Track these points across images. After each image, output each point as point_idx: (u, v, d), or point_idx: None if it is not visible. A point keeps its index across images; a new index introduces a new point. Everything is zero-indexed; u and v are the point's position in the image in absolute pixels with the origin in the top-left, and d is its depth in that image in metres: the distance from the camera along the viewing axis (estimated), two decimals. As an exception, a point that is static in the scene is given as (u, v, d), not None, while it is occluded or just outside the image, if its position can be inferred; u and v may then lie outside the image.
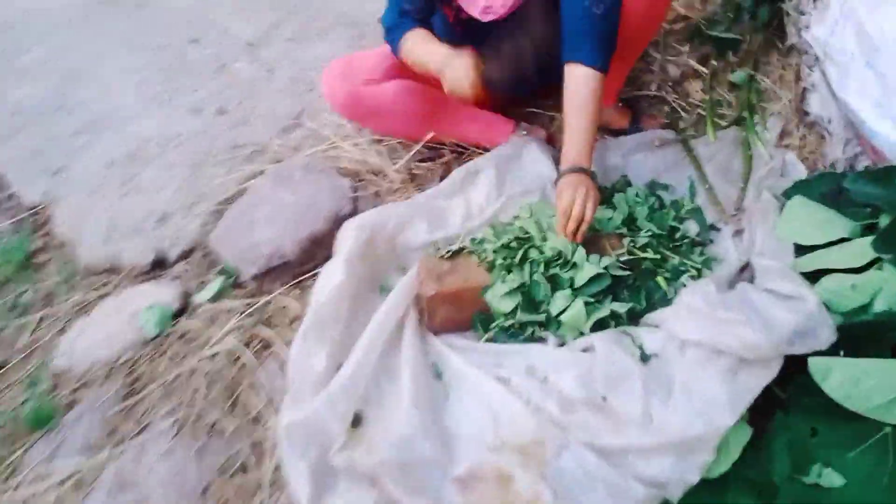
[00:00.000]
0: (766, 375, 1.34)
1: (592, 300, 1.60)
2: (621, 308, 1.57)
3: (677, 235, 1.80)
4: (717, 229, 1.84)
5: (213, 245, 2.06)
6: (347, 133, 2.27)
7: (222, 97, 2.66)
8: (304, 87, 2.61)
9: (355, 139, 2.23)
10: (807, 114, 2.01)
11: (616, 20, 1.71)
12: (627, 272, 1.62)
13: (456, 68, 1.74)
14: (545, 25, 1.83)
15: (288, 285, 1.94)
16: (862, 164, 1.86)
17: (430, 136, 2.03)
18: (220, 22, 3.03)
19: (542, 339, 1.63)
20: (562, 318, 1.59)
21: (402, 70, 1.95)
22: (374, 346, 1.63)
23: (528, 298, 1.63)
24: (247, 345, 1.83)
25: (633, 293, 1.62)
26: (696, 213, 1.86)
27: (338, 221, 1.98)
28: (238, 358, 1.81)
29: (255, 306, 1.91)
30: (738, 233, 1.81)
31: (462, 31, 1.91)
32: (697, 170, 1.97)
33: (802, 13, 1.94)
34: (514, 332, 1.65)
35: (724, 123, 2.10)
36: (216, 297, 1.98)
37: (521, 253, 1.68)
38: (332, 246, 1.94)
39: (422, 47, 1.84)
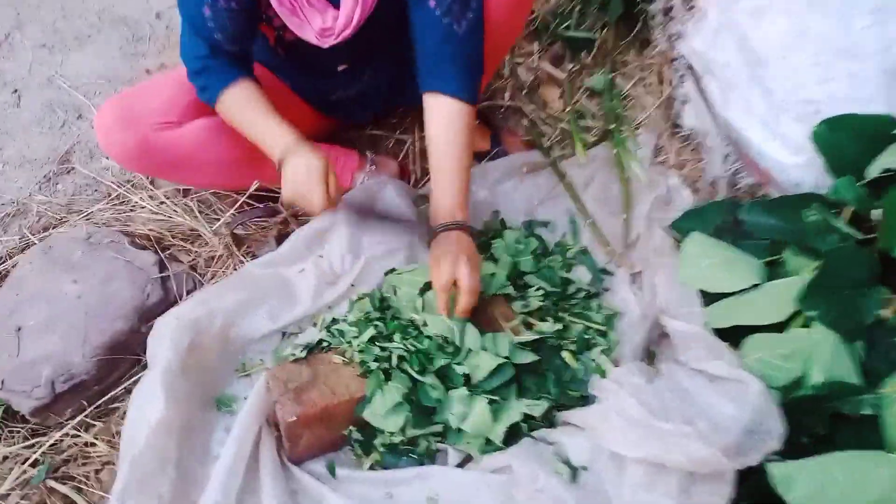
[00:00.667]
0: (722, 491, 1.13)
1: (496, 398, 1.30)
2: (536, 409, 1.28)
3: (570, 289, 1.54)
4: (610, 273, 1.61)
5: (-37, 365, 1.49)
6: (139, 181, 1.75)
7: (-49, 134, 1.98)
8: (67, 115, 2.00)
9: (150, 190, 1.72)
10: (678, 126, 1.83)
11: (481, 37, 1.38)
12: (534, 358, 1.33)
13: (300, 174, 1.33)
14: (395, 44, 1.46)
15: (85, 413, 1.44)
16: (745, 182, 1.71)
17: (255, 185, 1.58)
18: (-66, 21, 2.27)
19: (440, 455, 1.32)
20: (464, 426, 1.28)
21: (204, 106, 1.48)
22: (227, 495, 1.22)
23: (418, 407, 1.30)
24: (37, 513, 1.33)
25: (538, 379, 1.35)
26: (585, 256, 1.62)
27: (144, 314, 1.50)
28: (27, 533, 1.31)
29: (41, 449, 1.40)
30: (634, 276, 1.59)
31: (286, 54, 1.47)
32: (575, 201, 1.72)
33: (671, 17, 1.73)
34: (404, 450, 1.31)
35: (591, 138, 1.87)
36: (-19, 441, 1.43)
37: (397, 348, 1.33)
38: (139, 349, 1.47)
39: (249, 119, 1.40)
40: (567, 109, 1.94)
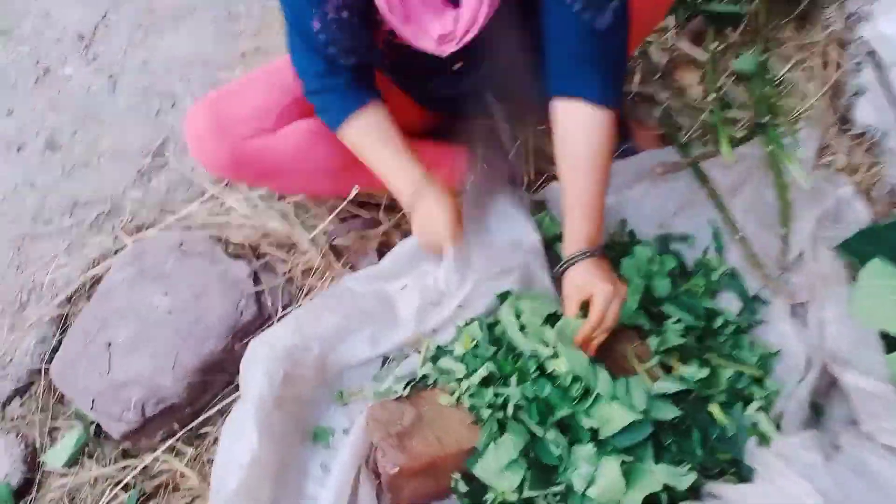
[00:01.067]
0: None
1: (629, 458, 1.10)
2: (681, 479, 1.07)
3: (716, 321, 1.31)
4: (764, 302, 1.36)
5: (55, 378, 1.42)
6: (232, 181, 1.63)
7: (49, 122, 1.92)
8: (162, 103, 1.90)
9: (246, 192, 1.59)
10: (847, 121, 1.53)
11: (626, 35, 1.15)
12: (677, 413, 1.12)
13: (432, 216, 1.24)
14: (518, 35, 1.25)
15: (176, 438, 1.34)
16: (932, 191, 1.41)
17: (355, 191, 1.42)
18: (36, 4, 2.22)
19: (560, 519, 1.14)
20: (590, 492, 1.09)
21: (304, 105, 1.32)
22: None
23: (537, 464, 1.12)
24: (126, 548, 1.25)
25: (680, 438, 1.14)
26: (733, 280, 1.38)
27: (238, 332, 1.39)
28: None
29: (132, 473, 1.32)
30: (795, 308, 1.34)
31: (392, 62, 1.29)
32: (721, 211, 1.47)
33: (852, -8, 1.42)
34: (520, 505, 1.14)
35: (739, 133, 1.59)
36: (75, 459, 1.37)
37: (515, 393, 1.15)
38: (232, 368, 1.36)
39: (377, 155, 1.27)
40: (709, 97, 1.66)
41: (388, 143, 1.25)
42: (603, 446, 1.11)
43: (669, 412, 1.12)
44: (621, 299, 1.15)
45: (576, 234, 1.19)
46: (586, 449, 1.11)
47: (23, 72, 2.07)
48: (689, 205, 1.50)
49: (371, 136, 1.25)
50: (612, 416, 1.11)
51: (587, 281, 1.15)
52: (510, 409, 1.14)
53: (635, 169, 1.54)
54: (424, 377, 1.27)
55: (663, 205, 1.50)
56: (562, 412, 1.13)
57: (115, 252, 1.58)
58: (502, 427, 1.14)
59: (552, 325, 1.21)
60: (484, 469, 1.12)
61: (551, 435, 1.12)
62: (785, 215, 1.44)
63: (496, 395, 1.16)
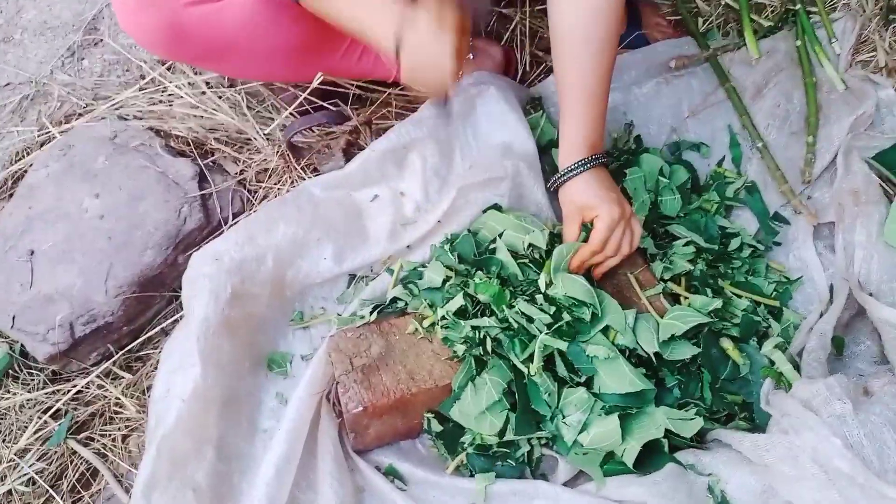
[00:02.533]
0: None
1: (629, 407, 0.96)
2: (685, 426, 0.94)
3: (731, 244, 1.15)
4: (785, 222, 1.20)
5: (-28, 291, 1.24)
6: (176, 64, 1.39)
7: (-38, -11, 1.64)
8: (98, -32, 1.62)
9: (190, 76, 1.36)
10: (892, 11, 1.32)
11: None
12: (694, 352, 0.97)
13: (426, 49, 0.94)
14: None
15: (112, 360, 1.18)
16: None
17: (319, 78, 1.19)
18: None
19: (546, 463, 1.01)
20: (582, 440, 0.96)
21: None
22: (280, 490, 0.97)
23: (523, 406, 0.97)
24: (57, 479, 1.11)
25: (686, 377, 0.99)
26: (752, 196, 1.21)
27: (181, 242, 1.21)
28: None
29: (62, 400, 1.16)
30: (820, 228, 1.18)
31: None
32: (741, 115, 1.28)
33: None
34: (500, 453, 1.01)
35: (766, 23, 1.38)
36: (-1, 382, 1.21)
37: (493, 328, 0.99)
38: (175, 283, 1.19)
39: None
40: (733, -20, 1.43)
41: None
42: (600, 395, 0.97)
43: (686, 352, 0.96)
44: (630, 224, 0.98)
45: (573, 138, 0.99)
46: (578, 393, 0.96)
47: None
48: (706, 106, 1.31)
49: None
50: (615, 378, 0.95)
51: (588, 200, 0.97)
52: (489, 345, 0.99)
53: (645, 62, 1.34)
54: (395, 301, 1.10)
55: (676, 106, 1.32)
56: (552, 345, 0.98)
57: (41, 145, 1.37)
58: (481, 364, 0.99)
59: (547, 248, 1.04)
60: (461, 412, 0.98)
61: (540, 374, 0.97)
62: (813, 121, 1.25)
63: (474, 327, 1.00)
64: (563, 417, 0.96)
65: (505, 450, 1.00)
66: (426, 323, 1.04)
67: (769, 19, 1.38)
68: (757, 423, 0.97)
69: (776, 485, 0.86)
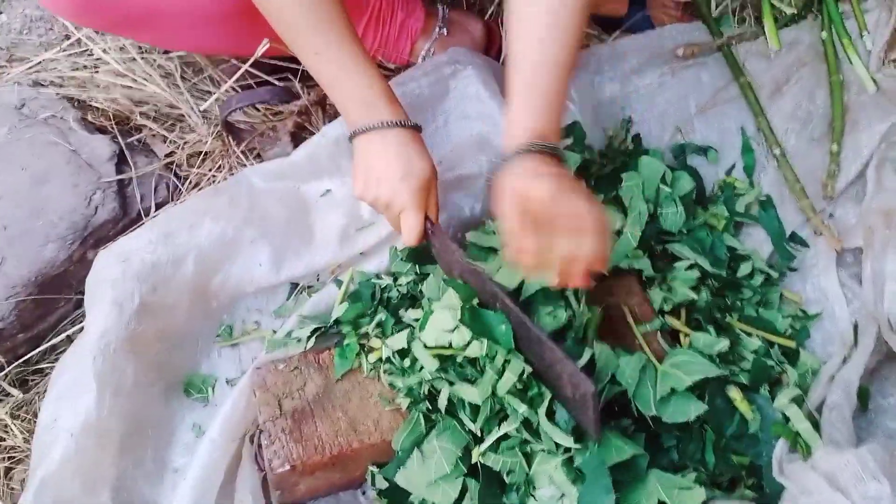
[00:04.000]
0: None
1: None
2: (682, 495, 0.76)
3: (742, 269, 0.97)
4: (804, 244, 1.03)
5: None
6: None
7: None
8: None
9: (122, 40, 1.16)
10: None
11: None
12: (699, 410, 0.78)
13: (390, 168, 0.84)
14: None
15: (2, 373, 0.99)
16: None
17: (264, 47, 1.00)
18: None
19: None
20: None
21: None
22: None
23: (486, 476, 0.79)
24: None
25: (688, 437, 0.82)
26: (766, 211, 1.03)
27: (89, 237, 1.02)
28: None
29: (-62, 419, 0.97)
30: (845, 255, 1.01)
31: None
32: (757, 116, 1.10)
33: None
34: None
35: (788, 10, 1.20)
36: None
37: (445, 385, 0.81)
38: (80, 284, 0.99)
39: (313, 40, 0.83)
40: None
41: (330, 24, 0.81)
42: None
43: (689, 410, 0.78)
44: (580, 212, 0.75)
45: (519, 123, 0.79)
46: (552, 463, 0.79)
47: None
48: (717, 104, 1.13)
49: (304, 5, 0.81)
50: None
51: (522, 185, 0.75)
52: (442, 401, 0.80)
53: (649, 48, 1.17)
54: (337, 323, 0.91)
55: (682, 101, 1.15)
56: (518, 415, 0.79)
57: (-60, 110, 1.16)
58: (431, 422, 0.81)
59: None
60: (407, 480, 0.80)
61: (500, 454, 0.79)
62: (839, 126, 1.08)
63: (420, 381, 0.81)
64: (534, 489, 0.78)
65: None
66: (373, 358, 0.86)
67: (792, 6, 1.20)
68: (766, 491, 0.81)
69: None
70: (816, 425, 0.83)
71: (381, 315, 0.88)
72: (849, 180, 1.05)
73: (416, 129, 0.88)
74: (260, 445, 0.84)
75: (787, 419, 0.84)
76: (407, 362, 0.82)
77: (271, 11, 0.84)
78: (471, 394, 0.78)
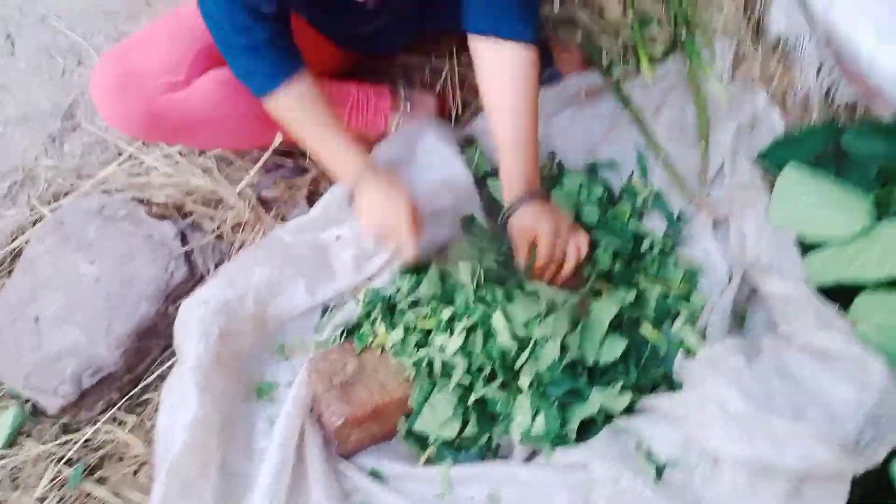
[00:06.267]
0: (838, 493, 0.97)
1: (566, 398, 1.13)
2: (616, 401, 1.12)
3: (644, 244, 1.34)
4: (687, 219, 1.40)
5: (-15, 359, 1.38)
6: (150, 138, 1.57)
7: (-53, 90, 1.81)
8: (66, 60, 1.80)
9: (165, 149, 1.54)
10: (761, 30, 1.55)
11: None
12: (624, 345, 1.15)
13: (382, 211, 1.21)
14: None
15: (117, 406, 1.33)
16: (843, 97, 1.45)
17: (279, 140, 1.38)
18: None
19: (504, 446, 1.18)
20: (532, 431, 1.13)
21: (213, 55, 1.26)
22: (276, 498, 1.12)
23: (480, 413, 1.15)
24: (76, 516, 1.26)
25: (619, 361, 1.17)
26: (658, 201, 1.40)
27: (170, 294, 1.37)
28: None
29: (75, 447, 1.31)
30: (717, 222, 1.38)
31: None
32: (644, 132, 1.48)
33: None
34: (464, 443, 1.17)
35: (658, 51, 1.60)
36: (12, 440, 1.34)
37: (438, 353, 1.17)
38: (168, 331, 1.34)
39: (314, 131, 1.22)
40: (628, 16, 1.65)
41: (323, 121, 1.21)
42: (538, 389, 1.14)
43: (618, 348, 1.14)
44: (574, 234, 1.18)
45: (513, 177, 1.19)
46: (522, 401, 1.14)
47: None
48: (615, 128, 1.51)
49: (304, 111, 1.21)
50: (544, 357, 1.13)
51: (527, 223, 1.16)
52: (437, 368, 1.16)
53: (560, 96, 1.54)
54: (360, 324, 1.27)
55: (589, 130, 1.51)
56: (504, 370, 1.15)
57: (33, 223, 1.52)
58: (433, 383, 1.16)
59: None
60: (423, 425, 1.15)
61: (490, 391, 1.14)
62: (704, 130, 1.46)
63: (420, 345, 1.18)
64: (512, 420, 1.13)
65: (468, 440, 1.17)
66: (383, 341, 1.21)
67: (660, 47, 1.60)
68: (675, 388, 1.16)
69: (692, 432, 1.04)
70: (704, 339, 1.19)
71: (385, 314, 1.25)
72: (716, 168, 1.43)
73: (391, 172, 1.25)
74: (320, 412, 1.18)
75: (682, 340, 1.19)
76: (410, 344, 1.18)
77: (287, 120, 1.22)
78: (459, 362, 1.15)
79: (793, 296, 1.16)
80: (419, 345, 1.18)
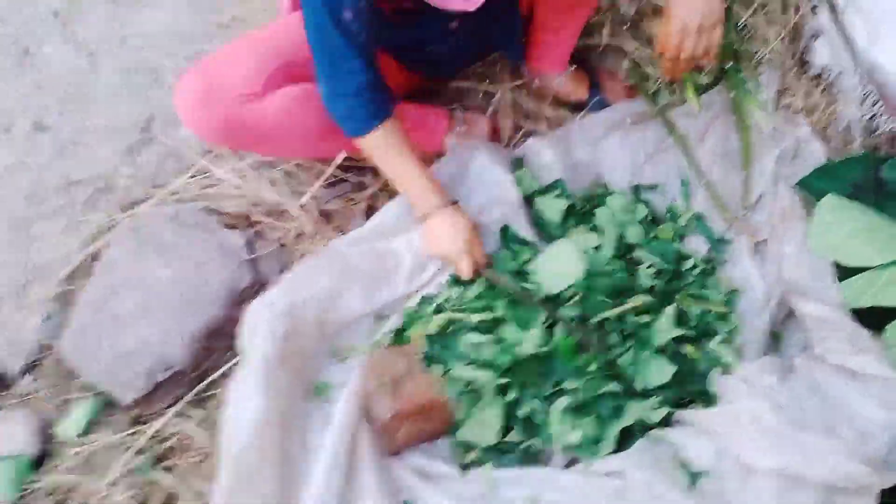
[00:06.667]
0: (866, 505, 1.02)
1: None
2: (653, 414, 1.18)
3: (685, 264, 1.40)
4: (728, 242, 1.45)
5: (65, 353, 1.50)
6: (220, 151, 1.68)
7: (34, 103, 1.95)
8: (144, 78, 1.93)
9: (233, 161, 1.65)
10: (804, 63, 1.60)
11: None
12: (673, 370, 1.21)
13: (446, 235, 1.35)
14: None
15: (184, 401, 1.43)
16: (885, 128, 1.49)
17: (342, 156, 1.48)
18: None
19: (545, 452, 1.25)
20: (572, 441, 1.20)
21: (291, 70, 1.36)
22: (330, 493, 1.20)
23: (520, 423, 1.23)
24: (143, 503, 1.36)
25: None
26: (699, 223, 1.46)
27: (237, 300, 1.46)
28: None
29: (144, 438, 1.41)
30: (757, 245, 1.43)
31: (396, 25, 1.35)
32: (687, 158, 1.54)
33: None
34: (505, 448, 1.24)
35: (704, 80, 1.65)
36: (87, 428, 1.45)
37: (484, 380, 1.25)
38: (233, 333, 1.43)
39: (399, 168, 1.36)
40: (675, 46, 1.71)
41: (408, 160, 1.34)
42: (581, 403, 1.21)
43: (667, 373, 1.21)
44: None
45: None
46: (561, 409, 1.21)
47: (4, 53, 2.09)
48: (659, 153, 1.57)
49: (390, 148, 1.33)
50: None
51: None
52: (481, 382, 1.24)
53: (608, 121, 1.61)
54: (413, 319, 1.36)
55: (635, 154, 1.57)
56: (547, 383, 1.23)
57: (110, 228, 1.64)
58: (476, 398, 1.25)
59: None
60: (468, 434, 1.23)
61: (531, 404, 1.22)
62: (747, 157, 1.52)
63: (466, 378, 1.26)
64: (553, 430, 1.20)
65: (510, 445, 1.24)
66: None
67: (706, 77, 1.65)
68: (710, 403, 1.21)
69: (725, 444, 1.09)
70: (740, 357, 1.24)
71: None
72: (757, 194, 1.48)
73: (455, 203, 1.36)
74: (369, 410, 1.26)
75: (719, 357, 1.25)
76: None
77: (373, 155, 1.35)
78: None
79: (828, 318, 1.20)
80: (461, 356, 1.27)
